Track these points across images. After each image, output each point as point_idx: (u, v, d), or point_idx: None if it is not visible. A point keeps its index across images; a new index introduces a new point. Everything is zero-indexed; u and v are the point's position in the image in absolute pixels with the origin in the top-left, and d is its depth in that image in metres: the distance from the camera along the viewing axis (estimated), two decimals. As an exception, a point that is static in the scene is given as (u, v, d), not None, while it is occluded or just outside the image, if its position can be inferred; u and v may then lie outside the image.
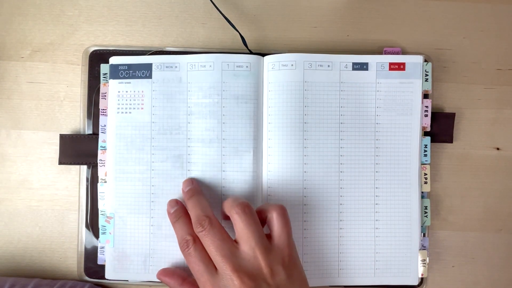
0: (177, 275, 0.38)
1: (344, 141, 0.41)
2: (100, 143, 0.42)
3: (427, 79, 0.42)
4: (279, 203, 0.39)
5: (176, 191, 0.41)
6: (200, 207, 0.37)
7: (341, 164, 0.41)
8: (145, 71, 0.42)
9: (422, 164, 0.42)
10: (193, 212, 0.37)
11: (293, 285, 0.34)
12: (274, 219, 0.36)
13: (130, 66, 0.42)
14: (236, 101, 0.41)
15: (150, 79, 0.42)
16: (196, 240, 0.36)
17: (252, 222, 0.35)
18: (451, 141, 0.43)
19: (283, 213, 0.36)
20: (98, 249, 0.41)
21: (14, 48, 0.44)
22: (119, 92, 0.42)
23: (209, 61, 0.41)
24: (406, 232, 0.41)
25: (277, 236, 0.35)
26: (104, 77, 0.42)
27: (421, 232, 0.41)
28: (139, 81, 0.42)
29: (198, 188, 0.40)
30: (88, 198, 0.42)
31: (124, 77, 0.42)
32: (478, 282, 0.43)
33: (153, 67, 0.42)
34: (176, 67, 0.42)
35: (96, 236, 0.42)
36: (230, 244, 0.35)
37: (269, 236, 0.36)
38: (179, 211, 0.39)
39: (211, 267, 0.35)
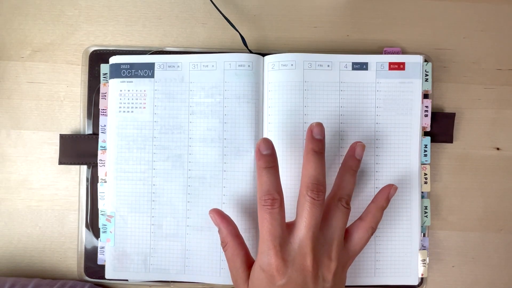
0: (232, 224, 0.38)
1: (344, 141, 0.41)
2: (100, 143, 0.42)
3: (427, 79, 0.42)
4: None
5: (177, 190, 0.41)
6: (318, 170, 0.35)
7: (341, 164, 0.41)
8: (147, 71, 0.42)
9: (422, 164, 0.42)
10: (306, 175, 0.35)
11: None
12: (365, 228, 0.37)
13: (132, 65, 0.42)
14: (237, 100, 0.41)
15: (152, 79, 0.42)
16: (282, 203, 0.35)
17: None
18: (451, 141, 0.43)
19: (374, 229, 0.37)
20: (98, 249, 0.41)
21: (14, 48, 0.44)
22: (121, 91, 0.42)
23: (212, 61, 0.41)
24: (406, 232, 0.41)
25: (355, 244, 0.37)
26: (104, 77, 0.42)
27: (421, 232, 0.41)
28: (141, 80, 0.42)
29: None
30: (88, 198, 0.42)
31: (126, 76, 0.42)
32: (478, 282, 0.43)
33: (156, 66, 0.42)
34: (178, 66, 0.42)
35: (96, 236, 0.42)
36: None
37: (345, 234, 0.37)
38: (275, 160, 0.36)
39: (286, 234, 0.34)
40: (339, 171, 0.38)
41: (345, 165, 0.38)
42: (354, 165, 0.37)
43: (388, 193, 0.38)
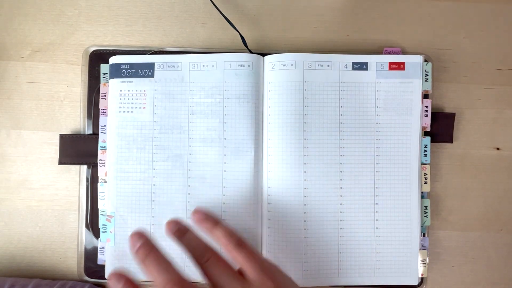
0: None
1: (344, 141, 0.41)
2: (100, 143, 0.42)
3: (427, 79, 0.42)
4: (280, 203, 0.38)
5: (177, 190, 0.41)
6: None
7: (341, 164, 0.41)
8: (147, 71, 0.42)
9: (422, 164, 0.42)
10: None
11: None
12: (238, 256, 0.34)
13: (132, 65, 0.42)
14: (237, 100, 0.41)
15: (152, 79, 0.42)
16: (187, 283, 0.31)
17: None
18: (451, 141, 0.43)
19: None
20: (98, 249, 0.41)
21: (14, 48, 0.44)
22: (121, 91, 0.42)
23: (212, 61, 0.41)
24: (406, 232, 0.41)
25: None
26: (104, 77, 0.42)
27: (421, 232, 0.41)
28: (141, 80, 0.42)
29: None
30: (88, 198, 0.42)
31: (126, 76, 0.42)
32: (478, 282, 0.43)
33: (156, 66, 0.42)
34: (178, 66, 0.42)
35: (96, 236, 0.42)
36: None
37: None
38: (151, 245, 0.33)
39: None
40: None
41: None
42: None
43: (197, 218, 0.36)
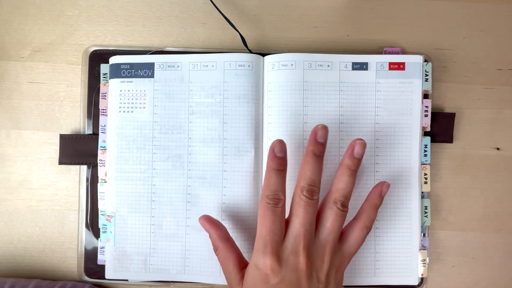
0: (222, 228, 0.38)
1: (344, 141, 0.41)
2: (100, 143, 0.42)
3: (427, 79, 0.42)
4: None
5: (177, 190, 0.41)
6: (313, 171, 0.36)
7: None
8: (147, 71, 0.42)
9: (422, 164, 0.42)
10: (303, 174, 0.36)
11: None
12: (360, 228, 0.37)
13: (132, 65, 0.42)
14: (237, 100, 0.41)
15: (152, 79, 0.42)
16: (285, 205, 0.35)
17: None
18: (451, 141, 0.43)
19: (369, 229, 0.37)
20: (98, 249, 0.41)
21: (14, 48, 0.44)
22: (121, 91, 0.42)
23: (212, 61, 0.41)
24: (406, 232, 0.41)
25: (350, 245, 0.37)
26: (104, 77, 0.42)
27: (421, 232, 0.41)
28: (141, 80, 0.42)
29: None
30: (88, 198, 0.42)
31: (126, 76, 0.42)
32: (478, 282, 0.43)
33: (155, 66, 0.42)
34: (178, 66, 0.42)
35: (96, 236, 0.42)
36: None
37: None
38: (285, 164, 0.36)
39: (283, 234, 0.35)
40: (337, 171, 0.37)
41: (343, 164, 0.37)
42: (352, 164, 0.36)
43: (380, 191, 0.38)
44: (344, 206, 0.36)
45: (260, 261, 0.34)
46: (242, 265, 0.36)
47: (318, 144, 0.36)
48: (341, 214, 0.35)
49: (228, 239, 0.37)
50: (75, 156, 0.42)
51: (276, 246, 0.34)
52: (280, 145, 0.35)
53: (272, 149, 0.35)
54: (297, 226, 0.34)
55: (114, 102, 0.42)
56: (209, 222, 0.38)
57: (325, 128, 0.36)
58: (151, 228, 0.41)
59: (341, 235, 0.37)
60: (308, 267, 0.34)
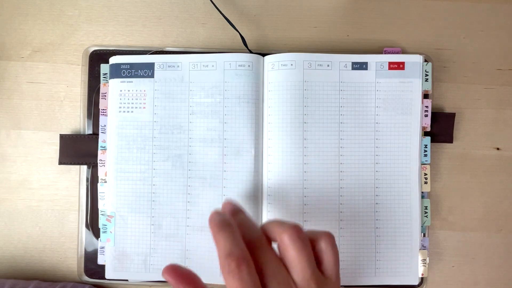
0: (186, 276, 0.30)
1: (344, 141, 0.41)
2: (100, 143, 0.42)
3: (427, 79, 0.42)
4: (280, 203, 0.38)
5: (177, 190, 0.41)
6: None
7: (341, 164, 0.41)
8: (147, 71, 0.42)
9: (422, 164, 0.42)
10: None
11: None
12: (325, 249, 0.32)
13: (132, 65, 0.42)
14: (237, 100, 0.41)
15: (152, 79, 0.42)
16: (250, 262, 0.29)
17: (307, 250, 0.31)
18: (451, 141, 0.43)
19: (333, 242, 0.32)
20: (98, 249, 0.41)
21: (14, 48, 0.44)
22: (121, 91, 0.42)
23: (212, 61, 0.41)
24: (406, 232, 0.41)
25: (330, 268, 0.32)
26: (104, 77, 0.42)
27: (421, 232, 0.41)
28: (141, 80, 0.42)
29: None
30: (88, 198, 0.42)
31: (126, 76, 0.42)
32: (478, 282, 0.43)
33: (155, 66, 0.42)
34: (178, 66, 0.42)
35: (96, 236, 0.42)
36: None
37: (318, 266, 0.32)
38: (228, 222, 0.31)
39: None
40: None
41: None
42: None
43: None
44: (299, 232, 0.31)
45: None
46: None
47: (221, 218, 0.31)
48: (301, 243, 0.31)
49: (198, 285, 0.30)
50: (75, 156, 0.42)
51: None
52: (215, 213, 0.32)
53: (209, 221, 0.31)
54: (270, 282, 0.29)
55: (114, 102, 0.42)
56: (175, 277, 0.29)
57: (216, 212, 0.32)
58: (151, 228, 0.41)
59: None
60: None
